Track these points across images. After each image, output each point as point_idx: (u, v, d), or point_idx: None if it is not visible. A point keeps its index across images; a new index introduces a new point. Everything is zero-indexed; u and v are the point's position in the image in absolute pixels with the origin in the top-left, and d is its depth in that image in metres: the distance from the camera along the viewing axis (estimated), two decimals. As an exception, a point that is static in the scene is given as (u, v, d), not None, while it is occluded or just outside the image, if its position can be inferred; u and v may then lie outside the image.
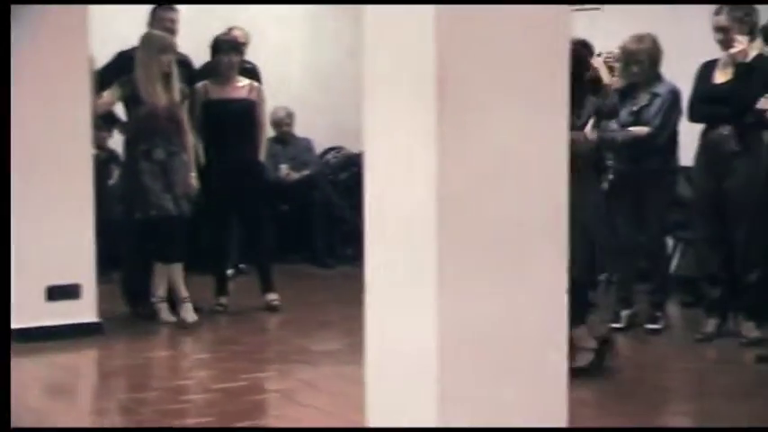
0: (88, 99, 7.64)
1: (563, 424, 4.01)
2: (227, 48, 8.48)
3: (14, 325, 7.29)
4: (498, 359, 3.89)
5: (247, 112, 8.44)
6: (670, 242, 8.76)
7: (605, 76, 6.79)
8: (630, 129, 7.46)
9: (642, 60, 7.47)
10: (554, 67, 3.97)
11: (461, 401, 3.83)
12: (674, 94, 7.54)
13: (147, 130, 7.88)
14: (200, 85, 8.42)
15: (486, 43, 3.79)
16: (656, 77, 7.59)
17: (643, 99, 7.50)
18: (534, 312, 3.94)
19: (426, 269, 3.80)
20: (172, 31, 8.60)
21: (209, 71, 8.73)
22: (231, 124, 8.33)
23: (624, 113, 7.41)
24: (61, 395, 6.60)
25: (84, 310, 7.49)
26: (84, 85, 7.58)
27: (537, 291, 3.95)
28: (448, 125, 3.74)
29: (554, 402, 4.01)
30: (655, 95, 7.49)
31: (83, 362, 7.11)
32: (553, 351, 4.00)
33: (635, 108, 7.48)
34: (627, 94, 7.52)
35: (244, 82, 8.54)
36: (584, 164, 6.31)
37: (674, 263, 8.85)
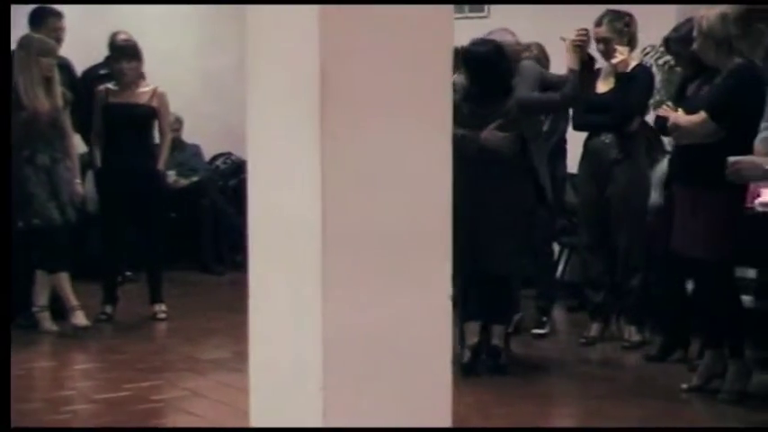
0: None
1: (448, 407, 4.02)
2: (128, 53, 8.40)
3: None
4: (383, 365, 3.87)
5: (148, 118, 8.38)
6: (556, 248, 8.87)
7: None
8: None
9: None
10: (437, 76, 3.98)
11: (346, 407, 3.82)
12: None
13: (30, 135, 7.76)
14: (101, 88, 8.36)
15: (366, 50, 3.79)
16: None
17: None
18: (418, 318, 3.94)
19: (310, 276, 3.78)
20: (59, 39, 8.51)
21: (103, 74, 8.65)
22: (131, 130, 8.27)
23: None
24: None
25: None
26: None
27: (421, 297, 3.94)
28: (331, 133, 3.73)
29: (439, 405, 4.02)
30: None
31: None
32: (436, 355, 4.01)
33: None
34: None
35: (147, 88, 8.47)
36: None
37: (559, 268, 8.95)
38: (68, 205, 7.86)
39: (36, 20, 8.58)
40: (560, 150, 7.86)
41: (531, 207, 6.87)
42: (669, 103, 6.52)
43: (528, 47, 7.66)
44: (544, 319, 7.78)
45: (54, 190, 7.76)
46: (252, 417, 4.12)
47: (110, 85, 8.37)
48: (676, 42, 6.93)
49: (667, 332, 7.01)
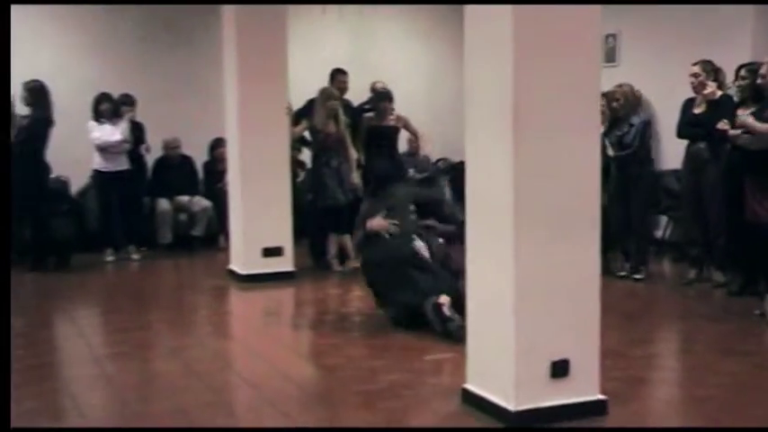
0: (287, 129, 7.74)
1: (596, 339, 3.92)
2: (385, 96, 8.49)
3: (243, 272, 7.46)
4: (554, 298, 3.82)
5: (394, 134, 8.43)
6: (664, 219, 8.55)
7: None
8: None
9: (618, 98, 7.28)
10: (589, 105, 3.88)
11: (529, 323, 3.78)
12: (646, 124, 7.36)
13: (325, 148, 7.97)
14: (366, 116, 8.44)
15: (544, 90, 3.73)
16: (633, 112, 7.34)
17: (624, 128, 7.28)
18: (577, 267, 3.87)
19: (506, 238, 3.75)
20: (343, 89, 8.76)
21: (366, 108, 8.74)
22: (384, 142, 8.33)
23: (612, 137, 7.27)
24: (272, 316, 6.70)
25: (285, 263, 7.55)
26: (284, 121, 7.66)
27: (579, 253, 3.87)
28: (520, 143, 3.70)
29: (590, 325, 3.93)
30: (631, 125, 7.27)
31: (285, 296, 7.18)
32: (589, 289, 3.92)
33: (619, 133, 7.28)
34: (613, 123, 7.36)
35: (393, 115, 8.51)
36: None
37: (667, 232, 8.61)
38: (348, 191, 8.00)
39: (331, 77, 8.81)
40: (647, 156, 7.48)
41: None
42: (725, 121, 6.28)
43: (621, 85, 7.33)
44: (641, 267, 7.41)
45: (340, 182, 7.92)
46: (469, 329, 4.12)
47: (371, 115, 8.45)
48: (747, 71, 6.64)
49: (743, 275, 6.69)
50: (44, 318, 6.51)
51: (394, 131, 8.41)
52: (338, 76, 8.86)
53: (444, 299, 5.37)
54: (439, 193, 6.05)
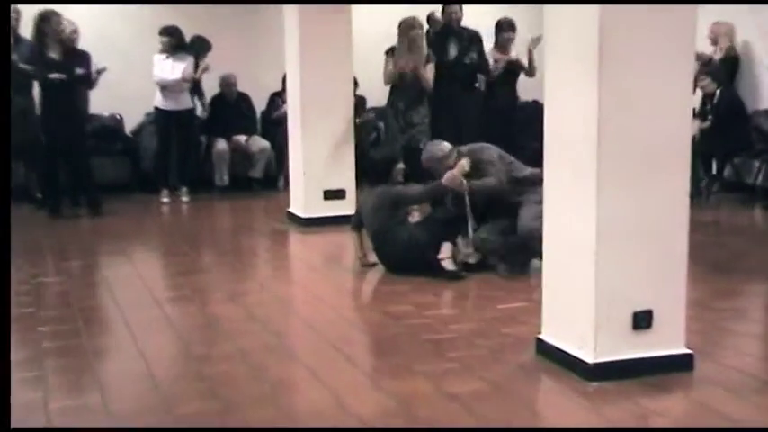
0: (350, 67, 7.61)
1: (682, 289, 3.84)
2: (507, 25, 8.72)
3: (303, 215, 7.48)
4: (639, 243, 3.74)
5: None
6: (756, 164, 8.34)
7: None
8: None
9: None
10: (681, 47, 3.74)
11: (610, 270, 3.71)
12: None
13: (398, 85, 7.96)
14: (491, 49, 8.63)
15: (629, 30, 3.62)
16: None
17: None
18: (664, 210, 3.78)
19: (588, 177, 3.68)
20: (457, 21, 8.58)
21: None
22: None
23: None
24: (330, 260, 6.67)
25: (347, 206, 7.41)
26: (348, 58, 7.54)
27: (667, 194, 3.77)
28: (605, 83, 3.61)
29: (676, 273, 3.84)
30: None
31: (347, 240, 7.03)
32: (677, 236, 3.82)
33: None
34: None
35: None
36: None
37: (759, 178, 8.40)
38: (408, 135, 7.97)
39: (442, 9, 8.68)
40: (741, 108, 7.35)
41: None
42: None
43: None
44: None
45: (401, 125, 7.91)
46: (544, 275, 4.06)
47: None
48: None
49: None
50: (101, 260, 6.63)
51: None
52: (448, 8, 8.53)
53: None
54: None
